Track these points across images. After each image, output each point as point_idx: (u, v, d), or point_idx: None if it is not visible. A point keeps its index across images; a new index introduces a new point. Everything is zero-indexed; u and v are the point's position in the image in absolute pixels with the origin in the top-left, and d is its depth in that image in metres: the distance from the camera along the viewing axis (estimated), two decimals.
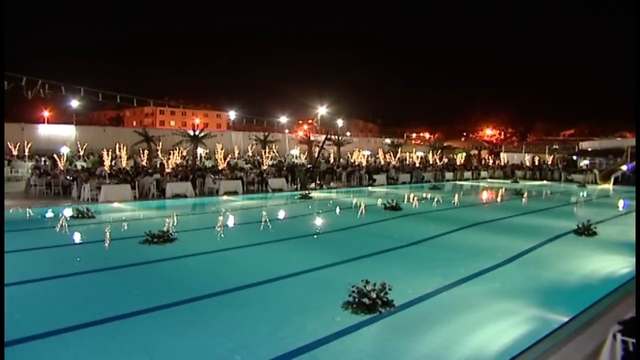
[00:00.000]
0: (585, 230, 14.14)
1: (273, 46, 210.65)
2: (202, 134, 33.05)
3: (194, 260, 11.37)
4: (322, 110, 62.77)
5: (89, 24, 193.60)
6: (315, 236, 14.69)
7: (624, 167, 41.14)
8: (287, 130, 66.48)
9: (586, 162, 49.35)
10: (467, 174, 41.35)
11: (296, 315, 7.74)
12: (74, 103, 53.17)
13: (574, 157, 50.92)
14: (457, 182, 38.06)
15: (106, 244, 13.30)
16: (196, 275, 10.17)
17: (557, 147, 56.97)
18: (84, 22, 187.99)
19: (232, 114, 73.01)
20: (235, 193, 24.90)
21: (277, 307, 8.08)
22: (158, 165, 30.67)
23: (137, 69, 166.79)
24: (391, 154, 45.28)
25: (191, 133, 33.10)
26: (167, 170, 25.63)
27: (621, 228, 16.74)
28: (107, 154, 25.28)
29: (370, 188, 30.74)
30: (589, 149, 51.46)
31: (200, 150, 38.73)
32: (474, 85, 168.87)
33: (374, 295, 7.37)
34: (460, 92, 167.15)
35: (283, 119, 68.55)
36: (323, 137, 47.02)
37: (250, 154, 48.28)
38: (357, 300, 7.45)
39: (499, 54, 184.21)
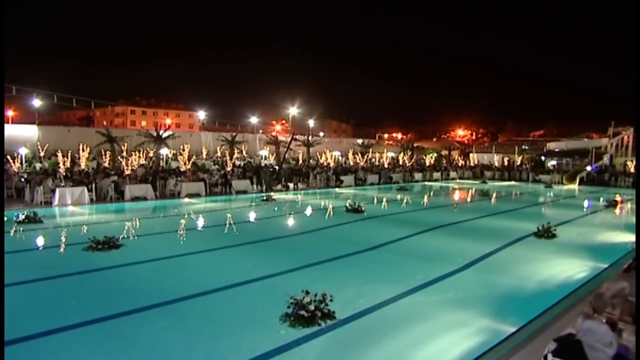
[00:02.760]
0: (545, 233, 13.98)
1: (249, 46, 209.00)
2: (166, 135, 32.19)
3: (139, 268, 10.81)
4: (293, 110, 62.21)
5: (62, 22, 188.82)
6: (271, 241, 14.14)
7: (589, 168, 41.74)
8: (260, 131, 65.74)
9: (553, 162, 49.89)
10: (437, 175, 41.35)
11: (240, 327, 7.33)
12: (36, 102, 51.46)
13: (542, 158, 51.46)
14: (426, 183, 37.99)
15: (47, 251, 12.58)
16: (139, 284, 9.64)
17: (526, 147, 57.54)
18: (56, 21, 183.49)
19: (202, 114, 71.79)
20: (197, 195, 24.23)
21: (221, 318, 7.67)
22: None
23: (110, 67, 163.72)
24: (359, 154, 44.95)
25: (154, 134, 32.18)
26: (127, 171, 24.74)
27: (581, 230, 16.70)
28: (67, 155, 24.34)
29: (337, 189, 30.39)
30: (557, 150, 52.14)
31: (166, 151, 37.80)
32: (448, 86, 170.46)
33: (312, 307, 6.95)
34: (434, 93, 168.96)
35: (254, 119, 67.69)
36: (297, 136, 46.56)
37: (219, 154, 47.39)
38: (294, 312, 7.02)
39: (473, 55, 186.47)
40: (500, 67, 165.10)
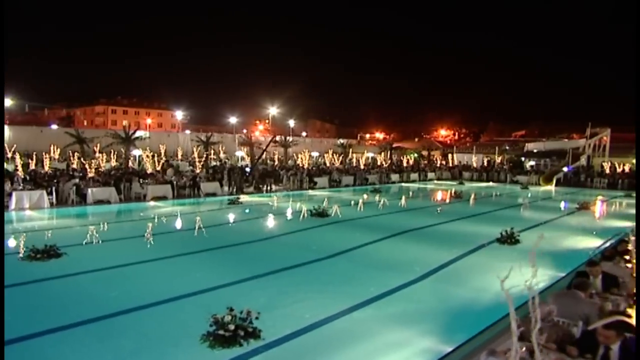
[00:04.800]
0: (508, 239, 13.53)
1: (235, 45, 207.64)
2: (135, 136, 31.27)
3: (78, 279, 10.18)
4: (273, 110, 61.59)
5: (43, 21, 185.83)
6: (227, 248, 13.49)
7: (565, 169, 41.73)
8: (244, 130, 64.96)
9: (532, 163, 49.89)
10: (414, 176, 40.93)
11: (173, 346, 6.86)
12: (7, 102, 50.18)
13: (522, 158, 51.42)
14: (403, 184, 37.53)
15: None
16: (74, 297, 9.03)
17: (507, 147, 57.44)
18: (38, 19, 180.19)
19: (179, 114, 70.76)
20: (164, 198, 23.53)
21: (156, 335, 7.22)
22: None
23: (92, 66, 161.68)
24: (334, 155, 44.14)
25: (123, 134, 31.28)
26: (90, 173, 23.91)
27: (547, 234, 16.12)
28: (32, 157, 23.47)
29: (310, 191, 29.78)
30: (535, 150, 52.08)
31: (139, 152, 36.84)
32: (432, 86, 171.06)
33: (232, 327, 6.43)
34: (419, 93, 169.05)
35: (233, 119, 66.82)
36: (277, 137, 45.96)
37: (195, 155, 46.57)
38: (214, 331, 6.50)
39: (458, 54, 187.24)
40: (484, 66, 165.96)
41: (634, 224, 17.89)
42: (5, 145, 38.23)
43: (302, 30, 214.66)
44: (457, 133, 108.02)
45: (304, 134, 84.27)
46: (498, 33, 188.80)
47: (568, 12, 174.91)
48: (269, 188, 29.19)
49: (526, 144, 54.94)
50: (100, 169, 27.33)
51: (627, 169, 40.44)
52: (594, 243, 13.63)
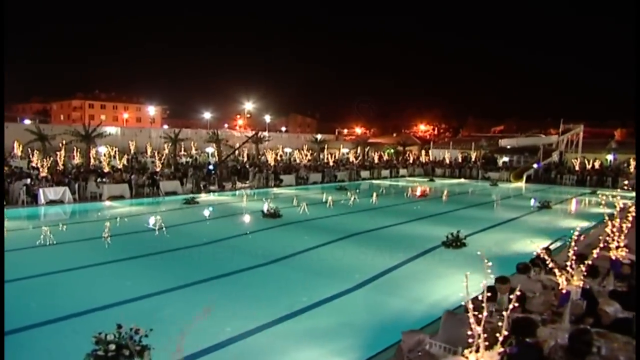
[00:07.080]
0: (454, 242, 13.14)
1: (219, 40, 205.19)
2: (95, 133, 30.30)
3: None
4: (249, 105, 60.79)
5: (20, 14, 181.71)
6: (166, 253, 12.85)
7: (535, 165, 41.71)
8: (225, 125, 64.04)
9: (505, 159, 49.76)
10: (385, 173, 40.45)
11: None
12: None
13: (496, 155, 51.20)
14: (373, 182, 36.97)
15: None
16: None
17: (484, 143, 57.18)
18: (13, 15, 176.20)
19: (152, 110, 69.51)
20: (121, 197, 22.85)
21: (64, 352, 6.77)
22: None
23: (69, 60, 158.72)
24: (307, 151, 43.20)
25: (82, 131, 30.23)
26: (43, 172, 23.11)
27: (498, 237, 15.71)
28: None
29: (275, 189, 29.17)
30: (508, 146, 51.92)
31: (104, 150, 35.79)
32: (414, 80, 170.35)
33: (112, 347, 5.91)
34: (400, 88, 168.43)
35: (207, 115, 65.73)
36: (252, 133, 45.10)
37: (166, 152, 45.62)
38: (94, 352, 5.99)
39: (437, 48, 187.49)
40: (465, 62, 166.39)
41: (590, 223, 17.70)
42: None
43: (287, 27, 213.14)
44: (436, 128, 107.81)
45: (283, 128, 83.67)
46: (478, 30, 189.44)
47: (545, 10, 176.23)
48: (233, 186, 28.62)
49: (499, 140, 54.71)
50: (58, 168, 26.50)
51: (597, 165, 40.61)
52: (540, 245, 13.25)
